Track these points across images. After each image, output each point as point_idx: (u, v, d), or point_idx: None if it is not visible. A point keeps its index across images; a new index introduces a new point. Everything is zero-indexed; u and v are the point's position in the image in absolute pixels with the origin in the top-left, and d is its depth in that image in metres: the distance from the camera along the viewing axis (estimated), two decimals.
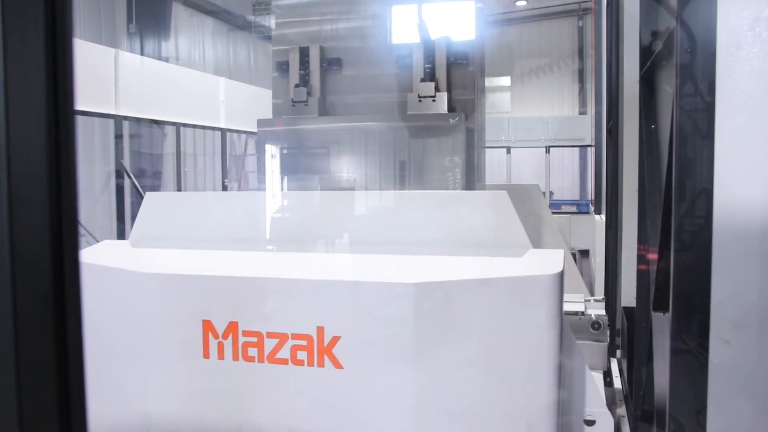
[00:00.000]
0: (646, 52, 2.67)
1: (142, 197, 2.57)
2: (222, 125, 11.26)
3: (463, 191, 2.92)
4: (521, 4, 18.38)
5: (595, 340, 2.73)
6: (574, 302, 2.87)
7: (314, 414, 1.74)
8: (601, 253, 4.64)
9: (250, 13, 15.68)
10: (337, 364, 1.69)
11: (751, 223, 1.37)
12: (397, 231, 2.08)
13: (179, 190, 10.68)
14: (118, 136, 9.02)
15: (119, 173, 9.26)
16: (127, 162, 9.33)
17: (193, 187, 13.04)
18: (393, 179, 3.07)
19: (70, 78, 0.62)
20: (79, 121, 8.12)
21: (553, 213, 4.87)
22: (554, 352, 1.62)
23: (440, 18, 3.15)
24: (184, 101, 9.99)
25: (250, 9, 15.50)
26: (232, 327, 1.77)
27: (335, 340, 1.69)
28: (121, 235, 8.81)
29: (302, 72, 3.20)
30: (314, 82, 3.20)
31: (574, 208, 12.78)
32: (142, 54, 11.87)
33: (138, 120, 9.33)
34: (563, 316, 1.69)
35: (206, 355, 1.78)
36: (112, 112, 8.48)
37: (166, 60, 12.60)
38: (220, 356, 1.77)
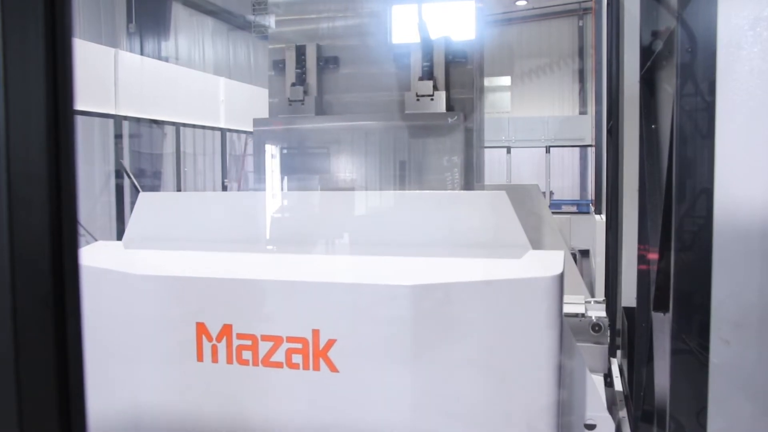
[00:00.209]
0: (646, 52, 2.67)
1: None
2: (222, 125, 11.26)
3: (462, 191, 2.92)
4: (521, 3, 18.37)
5: (595, 342, 2.72)
6: (574, 304, 2.87)
7: (309, 418, 1.73)
8: (602, 253, 4.64)
9: (250, 13, 15.67)
10: (333, 368, 1.68)
11: (752, 223, 1.37)
12: (394, 231, 2.07)
13: (179, 190, 10.68)
14: (118, 136, 9.03)
15: (119, 173, 9.26)
16: (126, 162, 9.33)
17: (193, 187, 13.03)
18: (390, 179, 3.06)
19: (70, 78, 0.62)
20: (79, 121, 8.13)
21: (553, 213, 4.86)
22: (554, 355, 1.61)
23: (439, 17, 3.15)
24: (184, 101, 9.99)
25: (250, 9, 15.50)
26: (226, 330, 1.75)
27: (331, 343, 1.68)
28: (121, 235, 8.78)
29: (299, 70, 3.19)
30: (311, 80, 3.19)
31: (574, 208, 12.78)
32: (141, 54, 11.87)
33: (138, 120, 9.33)
34: (563, 318, 1.68)
35: (200, 358, 1.77)
36: (112, 112, 8.48)
37: (166, 60, 12.60)
38: (214, 359, 1.76)
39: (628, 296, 3.18)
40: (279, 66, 3.26)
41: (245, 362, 1.74)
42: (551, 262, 1.75)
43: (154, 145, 11.21)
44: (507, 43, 17.96)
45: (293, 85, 3.18)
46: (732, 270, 1.38)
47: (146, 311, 1.82)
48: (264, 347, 1.72)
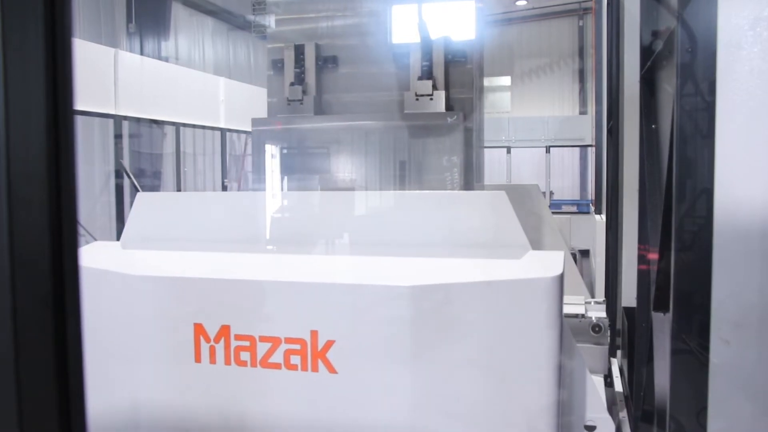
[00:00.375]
0: (646, 52, 2.67)
1: None
2: (222, 125, 11.26)
3: (462, 191, 2.91)
4: (521, 3, 18.37)
5: (595, 343, 2.72)
6: (574, 304, 2.86)
7: (308, 420, 1.72)
8: (602, 253, 4.64)
9: (250, 13, 15.67)
10: (331, 369, 1.67)
11: (752, 223, 1.37)
12: (393, 232, 2.06)
13: (179, 190, 10.68)
14: (118, 136, 9.03)
15: (119, 173, 9.26)
16: (126, 162, 9.33)
17: (193, 187, 13.03)
18: (390, 179, 3.06)
19: (70, 78, 0.62)
20: (79, 120, 8.13)
21: (553, 213, 4.86)
22: (554, 356, 1.61)
23: (439, 16, 3.14)
24: (184, 101, 9.99)
25: (250, 9, 15.49)
26: (224, 330, 1.75)
27: (329, 344, 1.67)
28: (120, 235, 8.78)
29: (297, 70, 3.19)
30: (309, 80, 3.19)
31: (574, 208, 12.77)
32: (141, 54, 11.86)
33: (138, 120, 9.33)
34: (563, 318, 1.68)
35: (198, 359, 1.77)
36: (112, 111, 8.48)
37: (166, 60, 12.60)
38: (212, 360, 1.75)
39: (628, 296, 3.18)
40: (278, 65, 3.26)
41: (243, 363, 1.73)
42: (551, 262, 1.75)
43: (154, 145, 11.21)
44: (507, 43, 17.96)
45: (292, 84, 3.18)
46: (732, 270, 1.38)
47: (144, 312, 1.82)
48: (262, 348, 1.72)
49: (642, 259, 2.81)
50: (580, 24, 18.26)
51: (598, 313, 2.80)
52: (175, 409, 1.82)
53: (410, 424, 1.66)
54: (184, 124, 10.47)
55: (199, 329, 1.76)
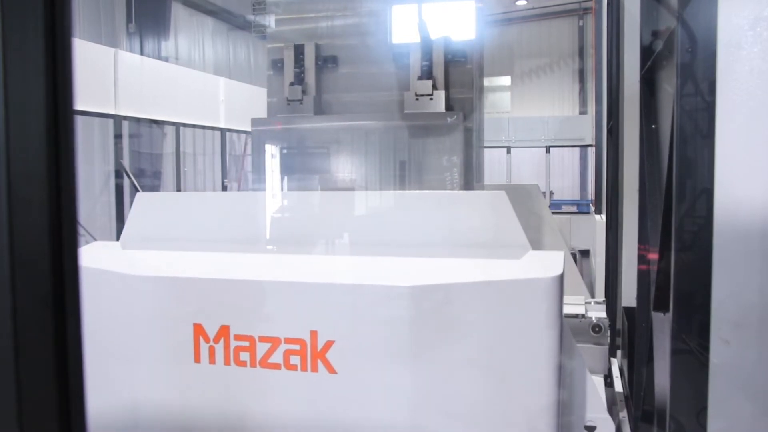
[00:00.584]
0: (646, 52, 2.67)
1: None
2: (222, 125, 11.27)
3: (462, 191, 2.91)
4: (521, 3, 18.38)
5: (595, 344, 2.72)
6: (574, 304, 2.86)
7: (307, 420, 1.72)
8: (602, 253, 4.64)
9: (250, 13, 15.67)
10: (331, 369, 1.67)
11: (752, 223, 1.37)
12: (393, 232, 2.06)
13: (179, 190, 10.68)
14: (118, 136, 9.03)
15: (119, 173, 9.26)
16: (126, 162, 9.33)
17: (193, 187, 13.03)
18: (390, 179, 3.06)
19: (70, 78, 0.62)
20: (79, 120, 8.13)
21: (553, 213, 4.86)
22: (554, 356, 1.61)
23: (438, 16, 3.14)
24: (184, 101, 9.99)
25: (250, 8, 15.49)
26: (224, 331, 1.74)
27: (329, 344, 1.67)
28: (120, 235, 8.78)
29: (297, 70, 3.19)
30: (309, 80, 3.19)
31: (574, 208, 12.77)
32: (141, 54, 11.87)
33: (137, 120, 9.33)
34: (563, 318, 1.68)
35: (197, 359, 1.77)
36: (112, 111, 8.48)
37: (166, 60, 12.60)
38: (212, 360, 1.75)
39: (628, 296, 3.18)
40: (278, 65, 3.26)
41: (243, 363, 1.73)
42: (551, 262, 1.75)
43: (154, 145, 11.21)
44: (507, 43, 17.96)
45: (292, 84, 3.18)
46: (732, 270, 1.38)
47: (144, 312, 1.82)
48: (262, 348, 1.72)
49: (642, 259, 2.81)
50: (580, 24, 18.26)
51: (598, 313, 2.80)
52: (174, 409, 1.82)
53: (410, 424, 1.65)
54: (184, 124, 10.47)
55: (198, 329, 1.76)
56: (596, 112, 8.25)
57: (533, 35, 18.78)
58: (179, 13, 14.04)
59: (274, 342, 1.71)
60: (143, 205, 2.30)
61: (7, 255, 0.59)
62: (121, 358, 1.84)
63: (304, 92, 3.17)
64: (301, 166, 3.15)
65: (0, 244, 0.59)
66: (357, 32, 3.19)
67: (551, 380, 1.62)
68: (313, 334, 1.68)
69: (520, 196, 3.33)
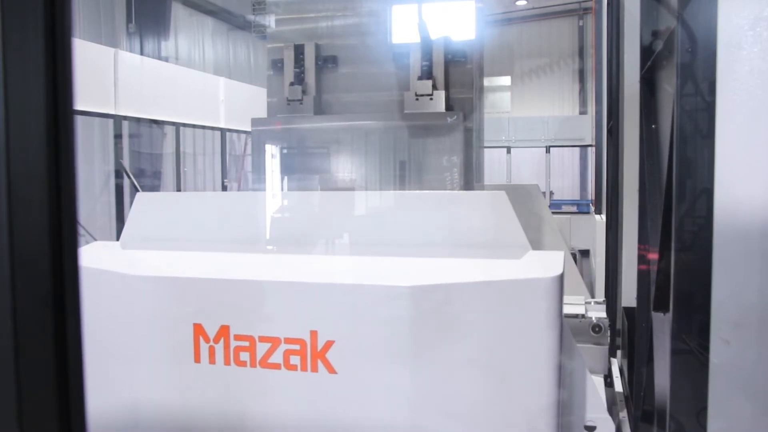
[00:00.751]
0: (646, 52, 2.67)
1: None
2: (222, 125, 11.27)
3: (462, 191, 2.91)
4: (521, 3, 18.38)
5: (595, 344, 2.71)
6: (574, 304, 2.86)
7: (307, 420, 1.72)
8: (602, 253, 4.64)
9: (250, 13, 15.67)
10: (331, 369, 1.67)
11: (752, 223, 1.37)
12: (393, 232, 2.06)
13: (179, 190, 10.68)
14: (118, 136, 9.03)
15: (118, 173, 9.26)
16: (126, 162, 9.33)
17: (193, 187, 13.03)
18: (390, 179, 3.06)
19: (70, 78, 0.62)
20: (79, 120, 8.13)
21: (553, 213, 4.86)
22: (554, 356, 1.61)
23: (438, 16, 3.14)
24: (184, 101, 9.99)
25: (250, 8, 15.49)
26: (224, 331, 1.74)
27: (329, 344, 1.67)
28: (120, 235, 8.77)
29: (297, 70, 3.19)
30: (309, 80, 3.19)
31: (574, 208, 12.77)
32: (141, 54, 11.87)
33: (137, 120, 9.33)
34: (563, 318, 1.68)
35: (197, 359, 1.76)
36: (112, 111, 8.48)
37: (166, 60, 12.60)
38: (212, 360, 1.75)
39: (628, 296, 3.18)
40: (278, 65, 3.26)
41: (243, 363, 1.73)
42: (551, 262, 1.75)
43: (154, 145, 11.21)
44: (507, 43, 17.97)
45: (292, 84, 3.18)
46: (732, 270, 1.38)
47: (144, 312, 1.82)
48: (262, 348, 1.72)
49: (642, 259, 2.81)
50: (580, 24, 18.26)
51: (598, 313, 2.80)
52: (174, 409, 1.82)
53: (410, 424, 1.65)
54: (184, 124, 10.47)
55: (198, 329, 1.76)
56: (596, 112, 8.25)
57: (533, 35, 18.78)
58: (179, 13, 14.04)
59: (274, 342, 1.71)
60: (143, 205, 2.30)
61: (7, 255, 0.59)
62: (121, 358, 1.84)
63: (304, 92, 3.17)
64: (301, 166, 3.15)
65: (0, 244, 0.59)
66: (357, 32, 3.19)
67: (551, 380, 1.62)
68: (313, 334, 1.68)
69: (520, 196, 3.33)
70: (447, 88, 3.04)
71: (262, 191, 3.26)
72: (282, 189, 3.20)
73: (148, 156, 11.11)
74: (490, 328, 1.63)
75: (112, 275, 1.85)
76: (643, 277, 2.74)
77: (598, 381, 2.64)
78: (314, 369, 1.68)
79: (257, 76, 15.88)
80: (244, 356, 1.73)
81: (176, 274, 1.85)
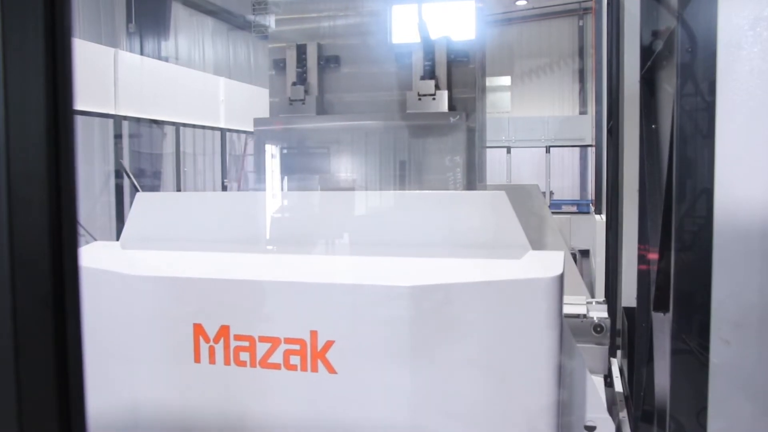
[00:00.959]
0: (646, 52, 2.67)
1: None
2: (222, 125, 11.27)
3: (462, 191, 2.91)
4: (521, 3, 18.37)
5: (597, 344, 2.71)
6: (575, 304, 2.86)
7: (307, 420, 1.72)
8: (602, 253, 4.64)
9: (250, 13, 15.67)
10: (331, 369, 1.67)
11: (752, 223, 1.37)
12: (393, 232, 2.06)
13: (179, 190, 10.68)
14: (118, 136, 9.03)
15: (118, 173, 9.26)
16: (126, 162, 9.33)
17: (193, 187, 13.04)
18: (392, 179, 3.05)
19: (70, 78, 0.62)
20: (79, 120, 8.13)
21: (553, 213, 4.86)
22: (554, 356, 1.61)
23: (441, 16, 3.14)
24: (184, 101, 9.99)
25: (250, 8, 15.49)
26: (224, 331, 1.74)
27: (329, 344, 1.67)
28: (120, 235, 8.77)
29: (299, 70, 3.18)
30: (312, 80, 3.19)
31: (574, 208, 12.78)
32: (141, 54, 11.87)
33: (137, 120, 9.33)
34: (563, 318, 1.68)
35: (197, 359, 1.76)
36: (112, 111, 8.48)
37: (166, 60, 12.60)
38: (212, 360, 1.75)
39: (628, 296, 3.18)
40: (280, 65, 3.25)
41: (243, 363, 1.73)
42: (551, 262, 1.75)
43: (154, 145, 11.21)
44: (507, 43, 17.96)
45: (294, 84, 3.18)
46: (732, 270, 1.38)
47: (144, 312, 1.82)
48: (262, 348, 1.72)
49: (642, 259, 2.81)
50: (580, 24, 18.26)
51: (599, 313, 2.80)
52: (174, 409, 1.82)
53: (410, 424, 1.65)
54: (184, 124, 10.47)
55: (198, 329, 1.76)
56: (596, 112, 8.25)
57: (533, 35, 18.78)
58: (179, 13, 14.04)
59: (274, 342, 1.71)
60: (143, 205, 2.30)
61: (7, 255, 0.59)
62: (121, 358, 1.84)
63: (306, 92, 3.17)
64: (304, 166, 3.15)
65: (0, 244, 0.59)
66: (359, 32, 3.19)
67: (551, 380, 1.62)
68: (313, 334, 1.68)
69: (520, 196, 3.33)
70: (450, 88, 3.03)
71: (266, 191, 3.26)
72: (285, 189, 3.20)
73: (148, 156, 11.11)
74: (490, 328, 1.63)
75: (112, 275, 1.85)
76: (643, 277, 2.74)
77: (599, 381, 2.63)
78: (314, 369, 1.68)
79: (257, 76, 15.88)
80: (244, 356, 1.73)
81: (176, 274, 1.85)
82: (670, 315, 1.67)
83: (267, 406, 1.75)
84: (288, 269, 1.94)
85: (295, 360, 1.69)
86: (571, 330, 2.56)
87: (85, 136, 9.98)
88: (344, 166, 3.10)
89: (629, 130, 3.17)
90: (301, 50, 3.19)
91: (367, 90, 3.17)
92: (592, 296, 3.48)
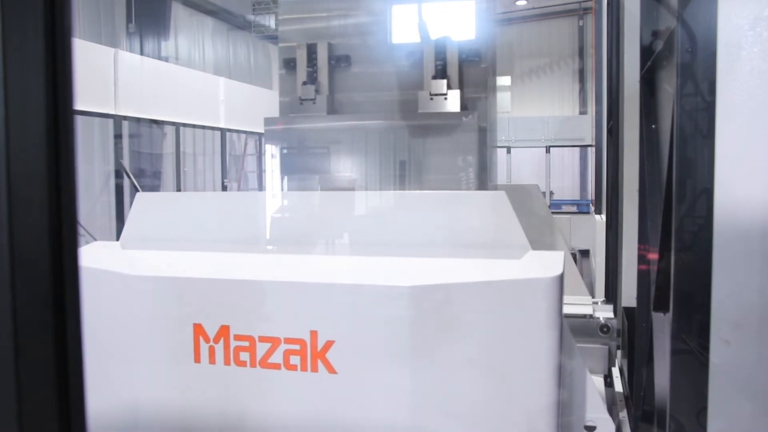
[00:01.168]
0: (646, 52, 2.67)
1: None
2: (222, 125, 11.27)
3: (461, 191, 2.91)
4: (521, 3, 18.37)
5: (603, 344, 2.71)
6: (582, 305, 2.85)
7: (307, 420, 1.72)
8: (602, 253, 4.64)
9: (250, 13, 15.68)
10: (331, 369, 1.67)
11: (752, 223, 1.37)
12: (394, 232, 2.06)
13: (179, 190, 10.68)
14: (118, 136, 9.03)
15: (118, 173, 9.26)
16: (126, 162, 9.33)
17: (193, 187, 13.04)
18: (404, 179, 3.04)
19: (70, 78, 0.62)
20: (79, 120, 8.13)
21: (553, 213, 4.86)
22: (554, 356, 1.61)
23: (450, 16, 3.13)
24: (184, 101, 9.99)
25: (250, 8, 15.50)
26: (224, 331, 1.74)
27: (329, 344, 1.67)
28: (120, 235, 8.76)
29: (310, 69, 3.17)
30: (322, 79, 3.17)
31: (574, 208, 12.78)
32: (141, 54, 11.87)
33: (137, 120, 9.34)
34: (563, 318, 1.68)
35: (197, 359, 1.76)
36: (112, 111, 8.49)
37: (166, 60, 12.61)
38: (212, 360, 1.75)
39: (628, 296, 3.18)
40: (290, 64, 3.23)
41: (243, 363, 1.73)
42: (551, 262, 1.75)
43: (154, 145, 11.21)
44: (507, 43, 17.96)
45: (304, 83, 3.16)
46: (732, 270, 1.38)
47: (143, 312, 1.82)
48: (262, 348, 1.72)
49: (642, 259, 2.81)
50: (580, 24, 18.26)
51: (606, 313, 2.79)
52: (174, 409, 1.82)
53: (410, 424, 1.65)
54: (184, 124, 10.47)
55: (198, 329, 1.76)
56: (596, 112, 8.25)
57: (533, 35, 18.78)
58: (179, 13, 14.04)
59: (274, 342, 1.71)
60: (143, 205, 2.30)
61: (7, 255, 0.59)
62: (121, 358, 1.84)
63: (317, 91, 3.15)
64: (314, 166, 3.13)
65: (0, 244, 0.59)
66: (370, 31, 3.17)
67: (551, 380, 1.62)
68: (313, 334, 1.68)
69: (520, 196, 3.32)
70: (461, 88, 3.02)
71: (276, 191, 3.25)
72: (292, 189, 3.19)
73: (148, 156, 11.11)
74: (490, 328, 1.63)
75: (112, 275, 1.85)
76: (643, 277, 2.74)
77: (599, 381, 2.64)
78: (314, 369, 1.68)
79: (257, 76, 15.89)
80: (244, 356, 1.73)
81: (176, 274, 1.85)
82: (670, 315, 1.67)
83: (267, 406, 1.75)
84: (288, 269, 1.94)
85: (295, 360, 1.69)
86: (578, 330, 2.56)
87: (85, 136, 9.98)
88: (355, 167, 3.09)
89: (629, 130, 3.17)
90: (312, 49, 3.17)
91: (377, 90, 3.16)
92: (592, 296, 3.48)
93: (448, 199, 2.28)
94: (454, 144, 2.95)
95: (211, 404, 1.79)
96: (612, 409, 2.70)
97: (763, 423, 1.38)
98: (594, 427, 1.84)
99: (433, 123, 2.98)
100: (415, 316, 1.64)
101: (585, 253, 7.15)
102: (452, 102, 2.97)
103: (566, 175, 17.65)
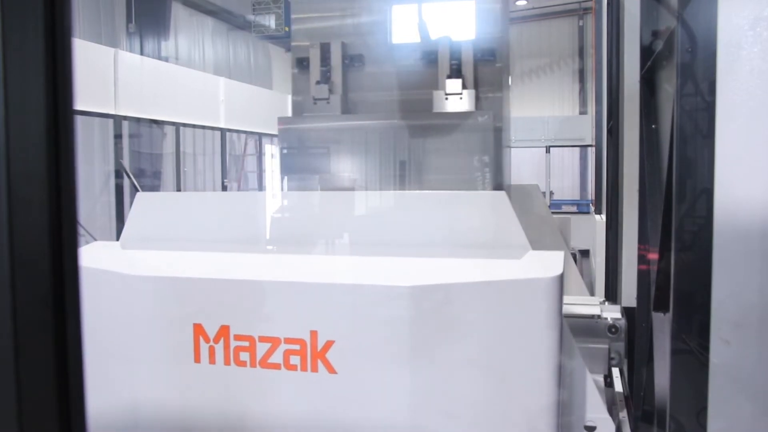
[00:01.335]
0: (646, 52, 2.67)
1: None
2: (222, 125, 11.27)
3: (461, 192, 2.90)
4: (521, 3, 18.37)
5: (606, 344, 2.70)
6: (589, 305, 2.84)
7: (307, 420, 1.72)
8: (602, 253, 4.64)
9: (250, 13, 15.67)
10: (331, 369, 1.67)
11: (752, 223, 1.37)
12: (394, 232, 2.06)
13: (179, 190, 10.68)
14: (118, 136, 9.03)
15: (118, 173, 9.26)
16: (126, 162, 9.33)
17: (193, 187, 13.04)
18: (419, 180, 3.01)
19: (70, 78, 0.62)
20: (79, 120, 8.13)
21: (553, 213, 4.86)
22: (554, 356, 1.61)
23: (466, 15, 3.10)
24: (184, 101, 9.99)
25: (250, 8, 15.49)
26: (224, 331, 1.74)
27: (329, 344, 1.67)
28: (120, 235, 8.76)
29: (323, 68, 3.15)
30: (336, 78, 3.15)
31: (574, 208, 12.78)
32: (141, 54, 11.86)
33: (137, 120, 9.34)
34: (563, 318, 1.68)
35: (197, 359, 1.76)
36: (112, 111, 8.49)
37: (166, 60, 12.60)
38: (212, 360, 1.75)
39: (628, 296, 3.18)
40: (303, 64, 3.21)
41: (243, 363, 1.73)
42: (551, 262, 1.75)
43: (154, 145, 11.21)
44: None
45: (318, 83, 3.14)
46: (732, 270, 1.38)
47: (143, 312, 1.82)
48: (262, 348, 1.72)
49: (642, 259, 2.81)
50: (580, 24, 18.26)
51: (613, 314, 2.78)
52: (174, 409, 1.82)
53: (410, 424, 1.66)
54: (184, 124, 10.47)
55: (198, 329, 1.76)
56: (596, 112, 8.25)
57: (533, 35, 18.78)
58: (179, 13, 14.04)
59: (274, 342, 1.71)
60: (143, 205, 2.30)
61: (7, 255, 0.59)
62: (121, 358, 1.84)
63: (330, 91, 3.13)
64: (327, 166, 3.11)
65: (0, 244, 0.59)
66: (384, 30, 3.15)
67: (551, 380, 1.62)
68: (313, 334, 1.68)
69: (520, 196, 3.33)
70: (476, 87, 3.00)
71: (293, 191, 3.23)
72: (305, 189, 3.17)
73: (148, 156, 11.11)
74: (490, 328, 1.63)
75: (112, 275, 1.85)
76: (643, 277, 2.74)
77: (599, 381, 2.63)
78: (314, 369, 1.68)
79: (257, 76, 15.89)
80: (244, 356, 1.73)
81: (176, 274, 1.85)
82: (670, 315, 1.67)
83: (267, 406, 1.75)
84: (288, 269, 1.94)
85: (295, 360, 1.69)
86: (586, 331, 2.55)
87: (85, 136, 9.98)
88: (369, 167, 3.06)
89: (629, 130, 3.17)
90: (325, 49, 3.15)
91: (391, 89, 3.14)
92: (592, 296, 3.48)
93: (448, 199, 2.28)
94: (469, 144, 2.93)
95: (211, 404, 1.79)
96: (612, 409, 2.69)
97: (763, 423, 1.38)
98: (594, 427, 1.84)
99: (448, 123, 2.96)
100: (415, 316, 1.64)
101: (585, 253, 7.15)
102: (467, 101, 2.95)
103: (566, 175, 17.66)
